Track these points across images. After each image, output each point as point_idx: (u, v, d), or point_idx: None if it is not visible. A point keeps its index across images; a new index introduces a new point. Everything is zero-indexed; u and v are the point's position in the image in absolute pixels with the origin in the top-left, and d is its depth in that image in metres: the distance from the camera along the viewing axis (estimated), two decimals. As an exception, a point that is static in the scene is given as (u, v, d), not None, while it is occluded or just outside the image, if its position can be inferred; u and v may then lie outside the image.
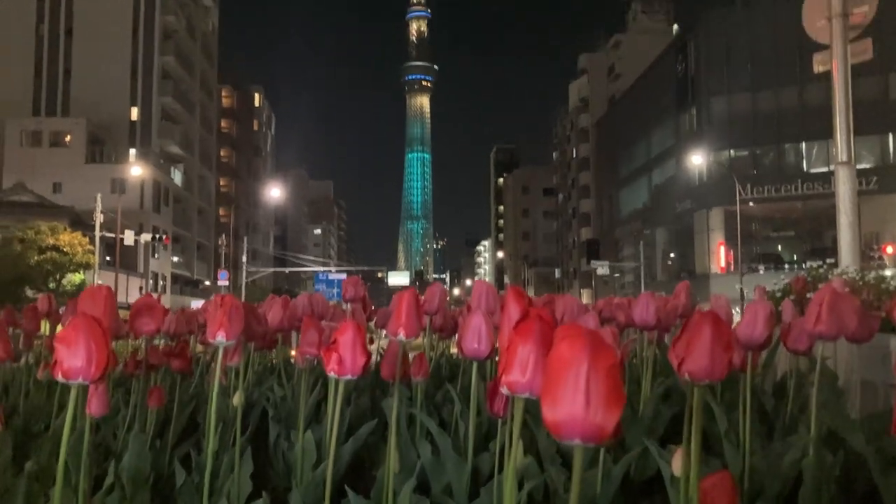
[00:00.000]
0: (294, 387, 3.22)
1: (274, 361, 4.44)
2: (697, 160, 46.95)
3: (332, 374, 1.34)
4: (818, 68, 9.51)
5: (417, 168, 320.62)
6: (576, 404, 0.75)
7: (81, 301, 1.53)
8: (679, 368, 1.03)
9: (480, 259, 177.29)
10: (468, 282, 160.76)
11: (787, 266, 46.97)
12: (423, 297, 2.90)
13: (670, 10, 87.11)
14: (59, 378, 1.14)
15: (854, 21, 9.14)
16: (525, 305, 1.11)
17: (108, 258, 43.26)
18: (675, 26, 78.94)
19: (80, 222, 41.69)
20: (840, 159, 8.79)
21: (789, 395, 2.66)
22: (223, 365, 2.96)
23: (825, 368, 2.67)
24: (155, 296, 2.24)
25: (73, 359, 1.12)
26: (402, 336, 1.53)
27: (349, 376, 1.35)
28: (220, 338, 1.51)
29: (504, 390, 0.88)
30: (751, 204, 47.74)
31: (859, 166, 44.55)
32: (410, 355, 2.41)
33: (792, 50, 39.90)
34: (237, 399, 2.11)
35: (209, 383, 3.24)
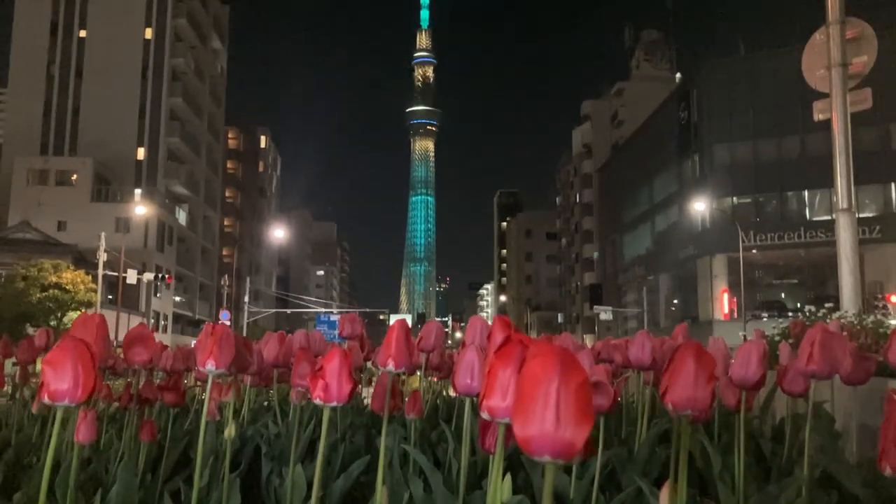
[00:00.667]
0: (289, 425, 3.20)
1: (271, 400, 4.42)
2: (700, 207, 47.11)
3: (318, 401, 1.34)
4: (818, 116, 9.61)
5: (421, 211, 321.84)
6: (546, 420, 0.75)
7: (74, 327, 1.54)
8: (663, 398, 1.04)
9: (483, 303, 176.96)
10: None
11: (790, 313, 46.76)
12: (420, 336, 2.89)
13: (673, 58, 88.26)
14: (46, 400, 1.14)
15: (853, 70, 9.26)
16: (509, 332, 1.11)
17: (110, 297, 43.26)
18: (678, 74, 79.94)
19: (84, 260, 41.80)
20: (840, 206, 8.83)
21: (787, 438, 2.64)
22: (215, 398, 2.95)
23: (823, 412, 2.66)
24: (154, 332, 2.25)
25: (60, 381, 1.12)
26: (391, 367, 1.53)
27: (335, 403, 1.35)
28: (210, 366, 1.51)
29: (484, 415, 0.88)
30: (754, 251, 47.75)
31: (862, 215, 44.80)
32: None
33: (794, 99, 40.20)
34: (229, 432, 2.10)
35: (209, 419, 3.22)
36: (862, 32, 9.37)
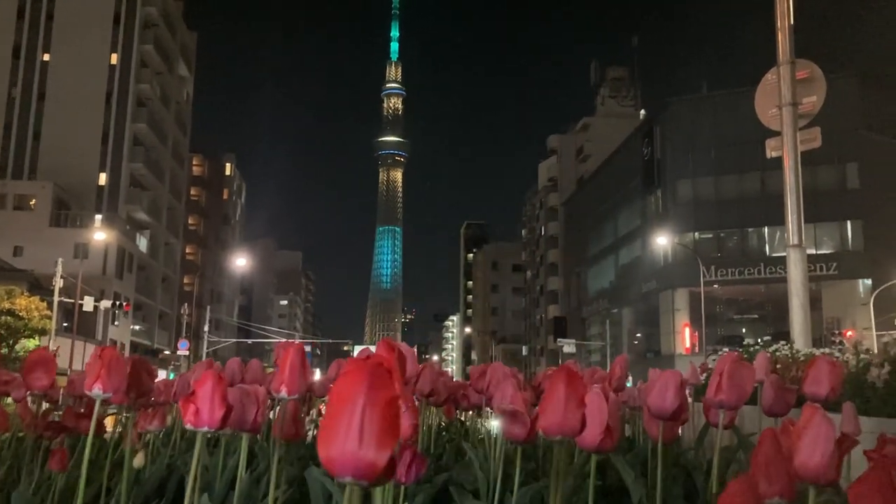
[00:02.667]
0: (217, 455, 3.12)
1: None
2: (662, 241, 47.63)
3: (189, 426, 1.29)
4: (771, 154, 9.83)
5: (388, 241, 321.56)
6: (349, 440, 0.73)
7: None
8: (534, 424, 1.01)
9: (449, 334, 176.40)
10: (435, 357, 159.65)
11: (755, 348, 47.15)
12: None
13: (637, 95, 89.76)
14: None
15: (803, 110, 9.49)
16: (391, 355, 1.08)
17: (65, 324, 42.36)
18: (642, 111, 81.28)
19: (40, 287, 40.93)
20: (791, 242, 8.99)
21: (714, 470, 2.63)
22: (142, 426, 2.87)
23: (748, 444, 2.65)
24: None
25: None
26: (284, 393, 1.49)
27: (206, 428, 1.30)
28: (97, 391, 1.45)
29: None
30: (715, 286, 48.30)
31: (820, 252, 45.69)
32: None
33: (754, 137, 40.61)
34: (138, 460, 2.04)
35: (127, 447, 3.14)
36: (812, 73, 9.62)
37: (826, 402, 2.05)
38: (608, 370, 3.70)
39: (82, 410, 2.94)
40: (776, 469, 1.07)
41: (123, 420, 4.34)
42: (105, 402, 3.72)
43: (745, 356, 3.86)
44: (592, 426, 1.44)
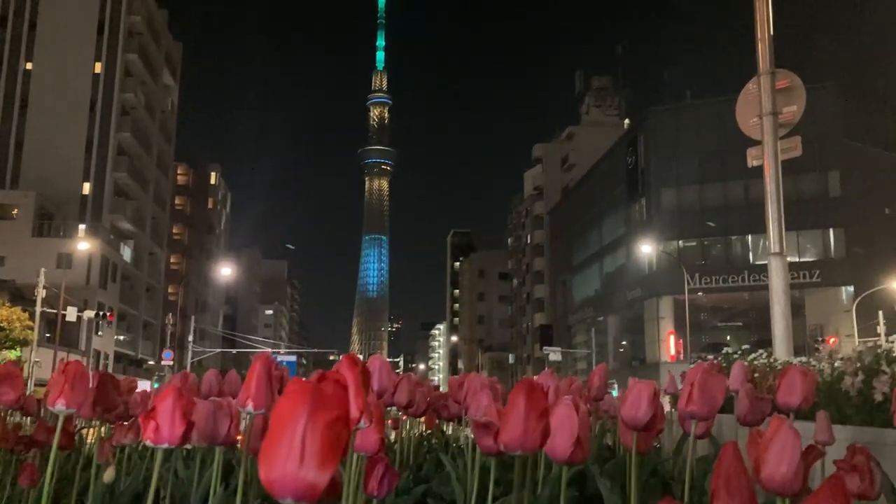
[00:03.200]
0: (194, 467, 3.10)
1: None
2: (647, 249, 47.81)
3: (148, 443, 1.28)
4: (752, 163, 9.89)
5: (374, 250, 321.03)
6: (290, 460, 0.72)
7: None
8: (495, 438, 1.01)
9: (435, 343, 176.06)
10: (422, 366, 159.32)
11: (735, 356, 47.36)
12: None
13: (621, 104, 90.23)
14: None
15: (784, 119, 9.55)
16: (355, 370, 1.08)
17: (48, 335, 41.98)
18: (626, 120, 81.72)
19: (22, 297, 40.57)
20: (772, 250, 9.03)
21: (686, 479, 2.63)
22: (117, 440, 2.84)
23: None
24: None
25: None
26: (250, 408, 1.47)
27: (166, 445, 1.29)
28: (60, 406, 1.43)
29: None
30: (699, 294, 48.52)
31: (803, 259, 45.96)
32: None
33: (737, 145, 40.85)
34: (108, 475, 2.01)
35: (102, 461, 3.10)
36: (792, 83, 9.69)
37: (800, 411, 2.05)
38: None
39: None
40: (737, 483, 1.07)
41: (99, 434, 4.30)
42: (74, 417, 3.69)
43: (725, 364, 3.88)
44: (563, 438, 1.43)
